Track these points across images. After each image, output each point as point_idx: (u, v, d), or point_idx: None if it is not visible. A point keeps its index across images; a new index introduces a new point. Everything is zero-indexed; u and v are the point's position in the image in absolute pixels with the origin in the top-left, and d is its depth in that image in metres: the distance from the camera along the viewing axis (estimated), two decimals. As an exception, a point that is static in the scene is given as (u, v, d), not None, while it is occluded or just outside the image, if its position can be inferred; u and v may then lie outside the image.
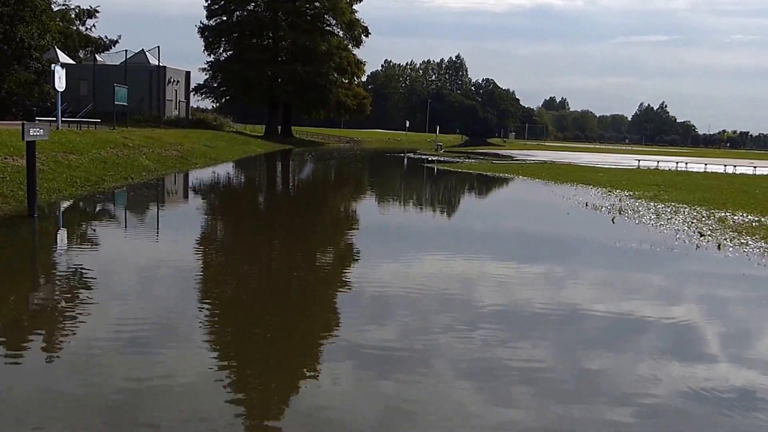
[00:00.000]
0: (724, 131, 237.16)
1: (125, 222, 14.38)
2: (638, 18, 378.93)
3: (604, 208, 18.41)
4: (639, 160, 44.05)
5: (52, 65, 26.26)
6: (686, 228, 14.68)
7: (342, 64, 61.26)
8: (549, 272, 10.29)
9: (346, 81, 65.08)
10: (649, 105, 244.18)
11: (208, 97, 60.58)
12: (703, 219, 16.26)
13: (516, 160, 50.53)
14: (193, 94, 61.98)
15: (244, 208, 18.13)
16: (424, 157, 49.79)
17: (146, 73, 59.56)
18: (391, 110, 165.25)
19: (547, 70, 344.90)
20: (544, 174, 32.37)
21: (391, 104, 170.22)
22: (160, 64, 61.66)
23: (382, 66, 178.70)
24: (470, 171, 34.42)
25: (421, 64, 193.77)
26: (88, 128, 30.43)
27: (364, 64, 65.66)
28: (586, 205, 19.28)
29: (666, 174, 36.15)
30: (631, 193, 23.18)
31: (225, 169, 30.14)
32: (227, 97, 61.39)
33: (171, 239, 12.43)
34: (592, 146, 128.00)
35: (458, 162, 42.88)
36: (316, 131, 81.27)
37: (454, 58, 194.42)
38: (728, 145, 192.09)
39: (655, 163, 44.46)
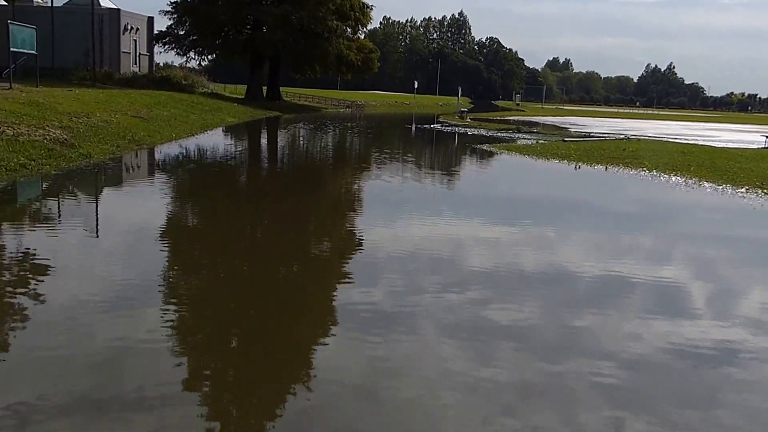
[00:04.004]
0: (732, 93, 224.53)
1: None
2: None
3: None
4: (767, 137, 30.26)
5: None
6: None
7: (344, 7, 46.56)
8: None
9: (349, 30, 50.27)
10: (656, 66, 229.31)
11: (172, 49, 45.88)
12: None
13: (579, 133, 36.81)
14: (155, 45, 47.40)
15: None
16: (459, 130, 35.73)
17: (94, 18, 45.06)
18: (391, 70, 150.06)
19: (544, 31, 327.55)
20: (694, 168, 19.03)
21: (390, 64, 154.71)
22: (113, 7, 47.15)
23: (380, 23, 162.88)
24: (566, 161, 20.76)
25: (421, 22, 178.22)
26: None
27: (371, 9, 50.91)
28: None
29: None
30: None
31: (137, 166, 16.44)
32: (199, 50, 46.57)
33: None
34: (618, 111, 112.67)
35: (516, 140, 29.18)
36: (310, 93, 66.57)
37: (456, 15, 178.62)
38: (750, 108, 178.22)
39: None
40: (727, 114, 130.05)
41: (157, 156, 17.97)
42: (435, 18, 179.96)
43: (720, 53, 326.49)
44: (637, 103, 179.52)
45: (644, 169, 19.17)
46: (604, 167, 19.50)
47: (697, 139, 35.63)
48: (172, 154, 18.86)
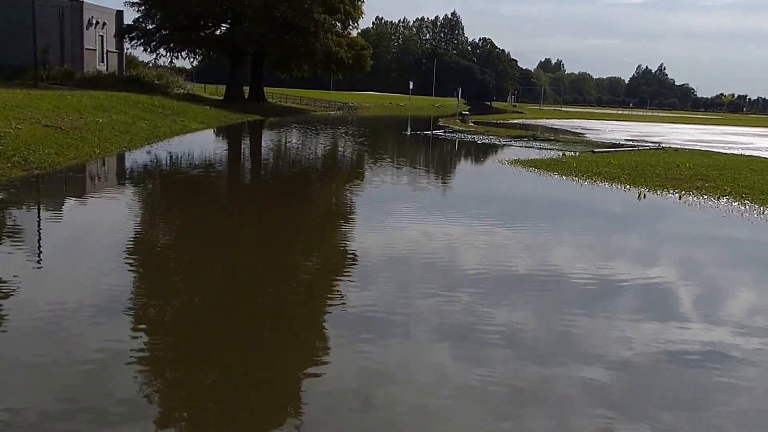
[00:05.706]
0: (722, 95, 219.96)
1: None
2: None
3: None
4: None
5: None
6: None
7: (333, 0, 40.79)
8: None
9: (339, 24, 44.39)
10: (647, 67, 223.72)
11: (140, 44, 39.93)
12: None
13: (602, 140, 31.20)
14: (123, 40, 41.51)
15: None
16: (466, 137, 30.01)
17: (53, 11, 39.33)
18: (384, 71, 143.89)
19: (535, 32, 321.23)
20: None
21: (384, 64, 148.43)
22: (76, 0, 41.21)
23: (373, 23, 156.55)
24: (618, 184, 15.08)
25: (414, 22, 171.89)
26: None
27: (362, 2, 45.12)
28: None
29: None
30: None
31: None
32: (170, 45, 40.61)
33: None
34: (621, 113, 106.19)
35: (537, 151, 23.58)
36: (298, 94, 60.67)
37: (449, 16, 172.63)
38: (744, 110, 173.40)
39: None
40: (725, 115, 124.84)
41: (29, 195, 11.34)
42: (428, 18, 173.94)
43: (703, 54, 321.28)
44: (631, 104, 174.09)
45: (729, 197, 13.59)
46: (677, 195, 13.86)
47: (732, 147, 30.35)
48: (65, 184, 12.87)
